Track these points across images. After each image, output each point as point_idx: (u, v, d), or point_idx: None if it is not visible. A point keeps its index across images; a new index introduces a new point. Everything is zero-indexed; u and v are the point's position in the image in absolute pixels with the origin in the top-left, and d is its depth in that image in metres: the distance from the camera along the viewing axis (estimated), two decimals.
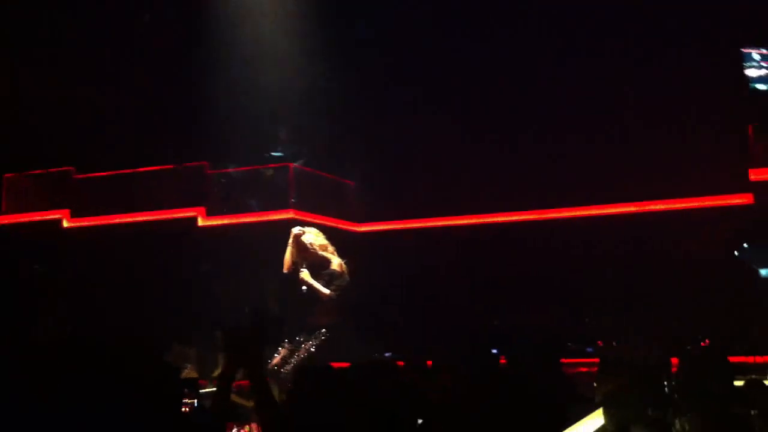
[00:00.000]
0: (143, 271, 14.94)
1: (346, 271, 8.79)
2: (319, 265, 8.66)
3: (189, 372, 12.64)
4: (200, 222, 15.07)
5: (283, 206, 14.87)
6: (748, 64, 13.86)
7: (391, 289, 14.85)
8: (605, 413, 4.69)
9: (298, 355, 8.48)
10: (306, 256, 8.66)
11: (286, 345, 8.63)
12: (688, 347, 9.81)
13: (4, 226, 15.99)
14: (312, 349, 8.46)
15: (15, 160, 16.21)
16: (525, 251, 14.49)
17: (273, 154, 15.98)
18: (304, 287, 8.58)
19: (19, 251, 15.45)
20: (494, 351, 7.02)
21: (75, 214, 15.82)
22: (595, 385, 6.83)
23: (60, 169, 16.24)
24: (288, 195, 15.07)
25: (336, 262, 8.74)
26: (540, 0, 15.01)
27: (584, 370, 10.03)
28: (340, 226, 15.66)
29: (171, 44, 16.02)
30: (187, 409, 5.79)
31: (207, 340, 13.26)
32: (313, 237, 8.79)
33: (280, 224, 14.11)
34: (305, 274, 8.56)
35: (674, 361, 9.17)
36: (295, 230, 8.83)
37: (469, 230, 15.24)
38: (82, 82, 16.06)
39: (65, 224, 15.74)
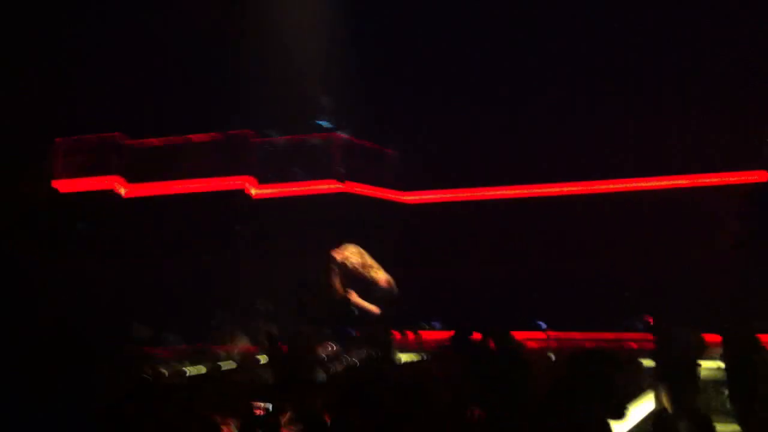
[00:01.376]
0: (190, 236, 15.29)
1: (394, 285, 8.99)
2: (366, 285, 8.87)
3: (241, 339, 13.02)
4: (247, 190, 15.32)
5: (328, 176, 15.06)
6: None
7: (435, 259, 15.06)
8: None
9: (347, 358, 8.76)
10: (352, 279, 8.87)
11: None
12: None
13: (56, 190, 16.34)
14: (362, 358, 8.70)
15: (66, 124, 16.52)
16: (568, 224, 14.61)
17: (318, 122, 16.13)
18: (355, 309, 8.83)
19: (72, 215, 15.82)
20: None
21: (126, 180, 16.13)
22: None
23: (110, 134, 16.50)
24: (333, 164, 15.23)
25: (383, 279, 8.94)
26: None
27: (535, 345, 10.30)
28: (384, 195, 15.88)
29: (218, 13, 16.14)
30: (261, 412, 6.16)
31: (254, 312, 13.66)
32: (355, 259, 8.96)
33: (326, 196, 14.42)
34: (354, 296, 8.79)
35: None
36: (337, 256, 8.99)
37: (512, 202, 15.34)
38: (131, 50, 16.25)
39: (117, 190, 16.08)
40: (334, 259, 9.15)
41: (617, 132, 14.49)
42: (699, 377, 8.31)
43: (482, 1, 15.59)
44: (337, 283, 9.25)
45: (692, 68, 14.08)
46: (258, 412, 6.25)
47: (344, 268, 9.07)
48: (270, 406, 6.47)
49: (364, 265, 9.11)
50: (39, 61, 15.85)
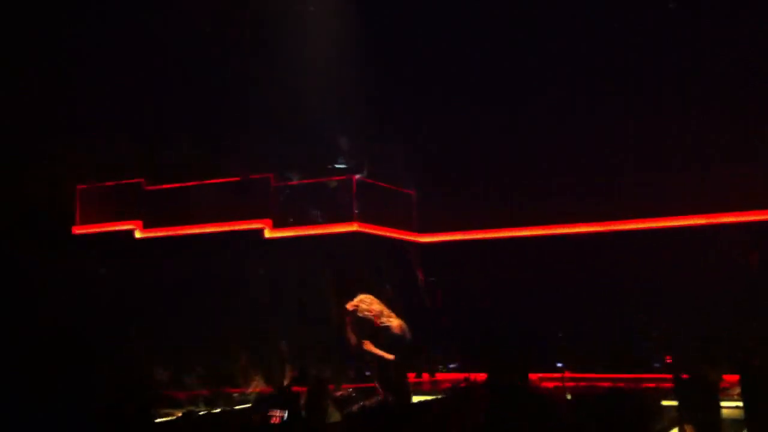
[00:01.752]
0: (211, 281, 15.39)
1: (406, 330, 9.06)
2: (379, 332, 8.96)
3: (257, 382, 13.05)
4: (267, 234, 15.42)
5: (347, 218, 15.13)
6: None
7: (452, 299, 15.01)
8: None
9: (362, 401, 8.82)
10: (365, 327, 8.97)
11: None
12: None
13: (79, 235, 16.57)
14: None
15: (87, 172, 16.79)
16: (587, 263, 14.50)
17: (336, 165, 16.26)
18: (369, 357, 8.94)
19: (93, 259, 16.00)
20: None
21: (146, 225, 16.32)
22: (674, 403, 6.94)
23: (131, 180, 16.74)
24: (351, 206, 15.32)
25: (395, 324, 9.01)
26: None
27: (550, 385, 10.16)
28: (402, 236, 15.90)
29: (234, 59, 16.41)
30: (277, 420, 6.16)
31: (274, 351, 13.68)
32: (366, 306, 9.06)
33: (344, 237, 14.46)
34: (369, 345, 8.89)
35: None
36: (348, 306, 9.13)
37: (530, 242, 15.29)
38: (149, 98, 16.54)
39: (137, 234, 16.26)
40: (346, 309, 9.24)
41: (637, 168, 14.44)
42: (721, 417, 8.19)
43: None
44: (350, 333, 9.33)
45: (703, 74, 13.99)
46: (275, 420, 6.25)
47: (355, 317, 9.13)
48: (285, 414, 6.48)
49: (375, 313, 9.14)
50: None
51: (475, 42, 15.60)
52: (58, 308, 13.71)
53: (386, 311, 9.45)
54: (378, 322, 9.11)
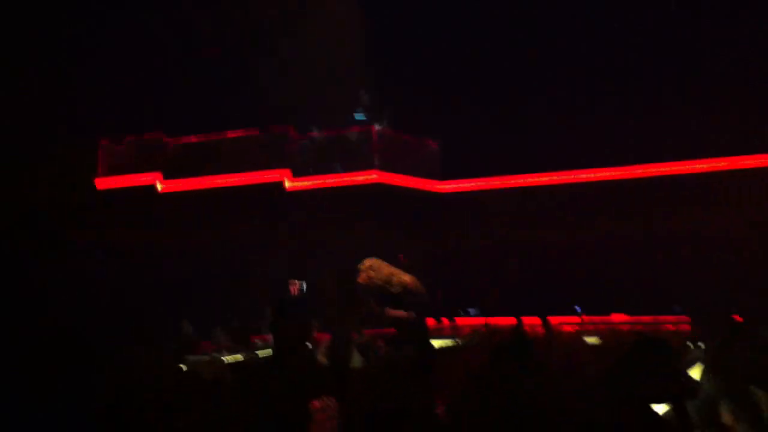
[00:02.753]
0: (233, 231, 15.48)
1: (420, 286, 9.03)
2: (396, 293, 8.94)
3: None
4: (287, 184, 15.46)
5: (367, 167, 15.13)
6: None
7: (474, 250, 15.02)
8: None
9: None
10: (382, 293, 8.95)
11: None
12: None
13: (101, 189, 16.71)
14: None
15: (110, 125, 16.87)
16: (599, 211, 14.46)
17: (356, 116, 16.21)
18: (389, 321, 8.95)
19: (116, 213, 16.14)
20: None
21: (167, 177, 16.42)
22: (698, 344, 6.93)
23: (152, 134, 16.81)
24: (371, 157, 15.30)
25: (408, 281, 8.99)
26: None
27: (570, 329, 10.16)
28: (423, 185, 15.89)
29: (253, 12, 16.32)
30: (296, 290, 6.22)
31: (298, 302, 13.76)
32: (375, 274, 9.00)
33: (365, 187, 14.48)
34: (390, 311, 8.87)
35: None
36: (360, 279, 9.10)
37: (545, 189, 15.21)
38: (170, 50, 16.52)
39: (158, 187, 16.37)
40: (359, 283, 9.20)
41: (638, 118, 14.28)
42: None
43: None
44: (371, 303, 9.33)
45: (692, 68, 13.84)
46: (293, 289, 6.28)
47: (371, 288, 9.10)
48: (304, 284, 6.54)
49: (386, 278, 9.10)
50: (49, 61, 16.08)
51: None
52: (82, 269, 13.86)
53: (395, 270, 9.41)
54: (392, 284, 9.05)
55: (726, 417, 4.50)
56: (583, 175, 14.99)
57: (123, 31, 16.45)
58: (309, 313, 10.78)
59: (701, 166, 14.07)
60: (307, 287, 12.44)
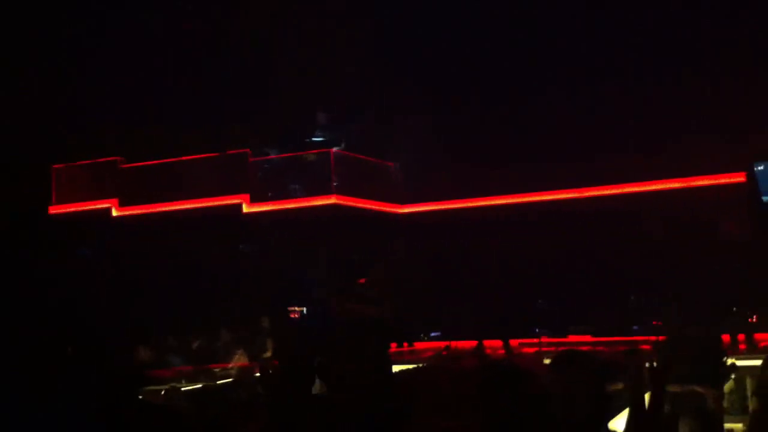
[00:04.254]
0: (190, 257, 15.29)
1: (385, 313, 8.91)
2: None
3: (239, 357, 12.99)
4: (245, 209, 15.32)
5: (325, 191, 15.05)
6: None
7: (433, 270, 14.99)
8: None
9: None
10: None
11: None
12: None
13: (55, 215, 16.40)
14: None
15: (63, 151, 16.61)
16: (568, 230, 14.52)
17: (314, 139, 16.16)
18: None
19: (70, 240, 15.86)
20: None
21: (123, 203, 16.19)
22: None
23: (107, 158, 16.58)
24: (330, 180, 15.23)
25: (373, 313, 8.87)
26: None
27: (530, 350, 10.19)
28: (383, 208, 15.85)
29: (208, 33, 16.25)
30: (296, 315, 6.13)
31: (255, 324, 13.61)
32: (351, 307, 8.92)
33: (321, 210, 14.40)
34: (351, 304, 8.75)
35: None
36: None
37: (509, 209, 15.28)
38: (125, 75, 16.36)
39: (114, 213, 16.13)
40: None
41: (610, 135, 14.44)
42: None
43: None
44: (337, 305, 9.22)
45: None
46: (293, 315, 6.20)
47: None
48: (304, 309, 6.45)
49: (359, 309, 8.98)
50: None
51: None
52: (37, 298, 13.54)
53: (356, 307, 9.27)
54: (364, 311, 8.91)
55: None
56: (548, 197, 15.08)
57: (76, 55, 16.26)
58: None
59: (653, 187, 14.26)
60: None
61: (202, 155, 16.08)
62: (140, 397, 8.45)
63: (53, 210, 16.47)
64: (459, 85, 15.80)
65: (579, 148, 14.63)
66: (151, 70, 16.48)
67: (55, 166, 16.88)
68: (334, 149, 15.65)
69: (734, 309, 11.17)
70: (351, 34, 15.47)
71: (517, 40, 15.27)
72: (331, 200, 14.85)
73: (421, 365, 9.93)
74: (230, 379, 11.19)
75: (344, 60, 15.61)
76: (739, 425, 7.26)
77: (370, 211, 15.64)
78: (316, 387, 8.90)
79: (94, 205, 16.28)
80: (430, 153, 15.92)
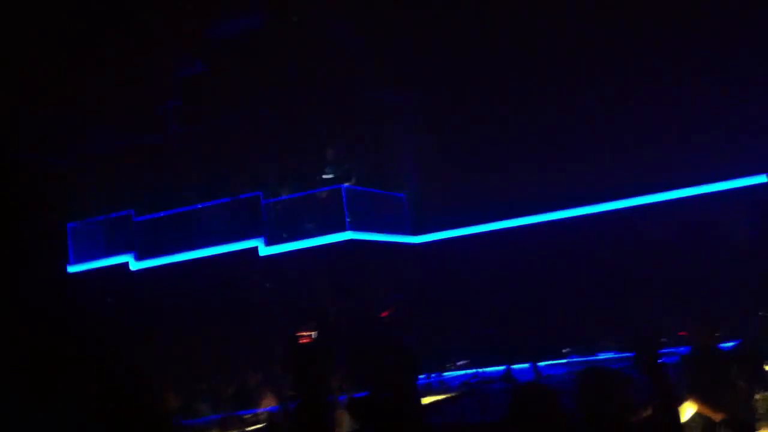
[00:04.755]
0: (210, 303, 15.32)
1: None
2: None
3: (268, 401, 12.98)
4: (261, 251, 15.37)
5: (339, 228, 15.09)
6: None
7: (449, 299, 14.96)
8: None
9: None
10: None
11: None
12: None
13: (74, 274, 16.50)
14: None
15: (77, 209, 16.74)
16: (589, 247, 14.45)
17: (324, 176, 16.22)
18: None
19: (89, 297, 15.91)
20: None
21: (140, 256, 16.25)
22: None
23: (120, 213, 16.68)
24: (343, 216, 15.26)
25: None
26: None
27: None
28: (396, 240, 15.90)
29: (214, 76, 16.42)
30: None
31: (275, 366, 13.60)
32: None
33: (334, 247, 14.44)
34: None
35: None
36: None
37: (522, 231, 15.22)
38: (133, 132, 16.55)
39: (131, 267, 16.19)
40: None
41: (615, 148, 14.42)
42: None
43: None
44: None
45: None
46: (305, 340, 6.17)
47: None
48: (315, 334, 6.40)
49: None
50: None
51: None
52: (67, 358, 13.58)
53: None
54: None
55: None
56: (565, 214, 15.00)
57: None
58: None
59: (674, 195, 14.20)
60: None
61: (215, 201, 16.17)
62: None
63: (71, 268, 16.56)
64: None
65: (594, 159, 14.59)
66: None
67: (70, 224, 16.98)
68: (345, 185, 15.69)
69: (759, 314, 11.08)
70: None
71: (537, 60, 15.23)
72: (346, 235, 14.90)
73: (450, 395, 9.92)
74: (260, 425, 11.20)
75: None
76: None
77: (383, 243, 15.65)
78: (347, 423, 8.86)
79: (112, 259, 16.35)
80: (438, 180, 15.98)
